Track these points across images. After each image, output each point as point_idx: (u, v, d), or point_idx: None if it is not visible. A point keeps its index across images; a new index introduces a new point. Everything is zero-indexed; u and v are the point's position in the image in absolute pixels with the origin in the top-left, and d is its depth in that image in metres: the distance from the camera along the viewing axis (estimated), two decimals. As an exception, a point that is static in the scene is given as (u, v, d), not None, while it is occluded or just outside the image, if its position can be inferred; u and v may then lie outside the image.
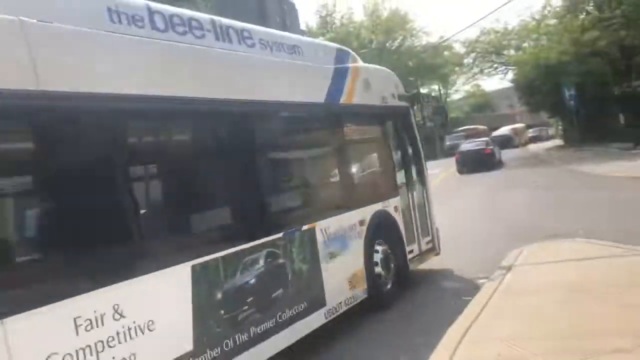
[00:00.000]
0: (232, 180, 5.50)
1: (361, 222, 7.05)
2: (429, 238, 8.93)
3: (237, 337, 4.88)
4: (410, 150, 8.84)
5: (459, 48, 43.59)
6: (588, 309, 5.60)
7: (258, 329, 5.12)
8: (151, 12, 5.00)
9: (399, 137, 8.72)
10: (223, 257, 4.85)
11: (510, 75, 40.39)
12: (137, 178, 4.73)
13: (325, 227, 6.28)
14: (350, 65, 7.76)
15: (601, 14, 30.28)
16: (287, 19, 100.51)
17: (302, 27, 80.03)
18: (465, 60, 41.85)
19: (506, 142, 41.18)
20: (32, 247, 3.90)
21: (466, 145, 29.60)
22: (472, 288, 7.51)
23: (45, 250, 3.88)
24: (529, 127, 61.40)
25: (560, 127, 41.87)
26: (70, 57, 3.99)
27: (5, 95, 3.46)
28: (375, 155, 8.32)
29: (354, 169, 7.64)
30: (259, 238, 5.32)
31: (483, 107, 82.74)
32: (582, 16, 31.69)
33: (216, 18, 5.87)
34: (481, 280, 7.85)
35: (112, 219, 4.17)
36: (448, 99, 67.54)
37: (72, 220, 3.90)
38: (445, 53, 49.94)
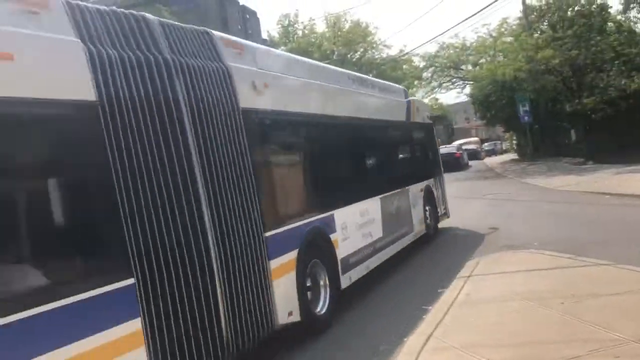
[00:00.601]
0: (385, 162, 10.91)
1: (421, 190, 12.09)
2: (444, 206, 13.90)
3: (393, 234, 9.98)
4: (434, 150, 14.49)
5: (418, 62, 44.33)
6: (544, 318, 5.76)
7: (397, 235, 10.22)
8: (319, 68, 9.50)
9: (431, 141, 14.15)
10: (386, 196, 9.79)
11: (468, 89, 41.45)
12: (364, 157, 9.80)
13: (411, 189, 11.31)
14: (411, 98, 13.40)
15: (554, 33, 31.39)
16: (249, 28, 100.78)
17: (264, 36, 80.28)
18: (424, 74, 42.61)
19: (474, 154, 47.50)
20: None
21: (442, 150, 34.06)
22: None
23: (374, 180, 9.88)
24: (483, 140, 62.93)
25: (514, 142, 43.09)
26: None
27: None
28: (424, 151, 13.61)
29: (419, 158, 13.19)
30: (396, 189, 10.49)
31: (441, 120, 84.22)
32: (536, 35, 32.76)
33: (351, 73, 10.83)
34: (439, 290, 7.97)
35: (363, 181, 9.39)
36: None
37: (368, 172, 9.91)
38: (405, 67, 50.75)
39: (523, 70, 29.65)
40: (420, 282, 8.90)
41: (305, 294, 6.54)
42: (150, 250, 4.37)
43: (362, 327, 6.95)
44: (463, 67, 41.27)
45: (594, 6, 31.44)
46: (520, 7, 34.59)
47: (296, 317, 6.23)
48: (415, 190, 11.55)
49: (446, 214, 13.87)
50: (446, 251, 11.40)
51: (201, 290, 4.78)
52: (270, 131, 6.76)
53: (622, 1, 30.31)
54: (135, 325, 4.15)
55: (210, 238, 4.99)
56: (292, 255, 6.30)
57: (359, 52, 51.83)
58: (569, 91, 30.95)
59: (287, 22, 52.38)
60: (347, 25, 51.07)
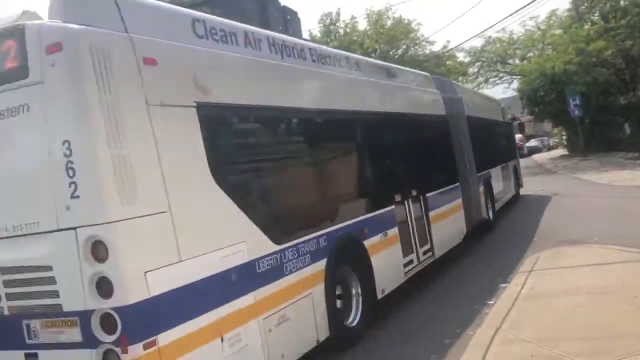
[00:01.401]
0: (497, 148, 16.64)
1: (513, 165, 17.98)
2: (521, 178, 19.34)
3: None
4: (514, 141, 21.76)
5: (463, 57, 43.65)
6: (616, 311, 5.64)
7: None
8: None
9: (512, 134, 21.43)
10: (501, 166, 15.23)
11: (515, 84, 40.56)
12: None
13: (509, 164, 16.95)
14: (502, 106, 21.16)
15: (607, 24, 30.41)
16: (290, 28, 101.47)
17: (306, 35, 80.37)
18: (470, 70, 41.95)
19: (536, 149, 49.57)
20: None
21: None
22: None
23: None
24: (529, 137, 61.35)
25: (564, 137, 41.93)
26: None
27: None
28: (511, 141, 20.22)
29: (510, 146, 19.60)
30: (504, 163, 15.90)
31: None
32: (587, 26, 31.83)
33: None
34: (502, 285, 7.89)
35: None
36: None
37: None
38: (448, 62, 50.04)
39: (573, 63, 28.84)
40: (480, 276, 8.80)
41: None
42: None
43: (427, 318, 6.95)
44: (510, 61, 40.45)
45: (649, -6, 30.33)
46: (570, -1, 33.72)
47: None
48: (511, 165, 17.64)
49: (522, 185, 19.30)
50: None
51: None
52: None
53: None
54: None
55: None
56: None
57: (401, 49, 51.39)
58: (622, 83, 29.96)
59: (328, 20, 52.39)
60: (389, 22, 50.72)
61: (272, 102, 5.36)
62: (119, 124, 3.62)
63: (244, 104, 4.96)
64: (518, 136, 56.67)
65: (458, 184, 10.52)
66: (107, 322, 3.53)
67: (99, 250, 3.52)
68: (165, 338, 3.68)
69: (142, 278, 3.58)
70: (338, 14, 51.58)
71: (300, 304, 5.15)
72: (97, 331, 3.57)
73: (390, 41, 50.17)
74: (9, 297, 3.88)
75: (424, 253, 8.33)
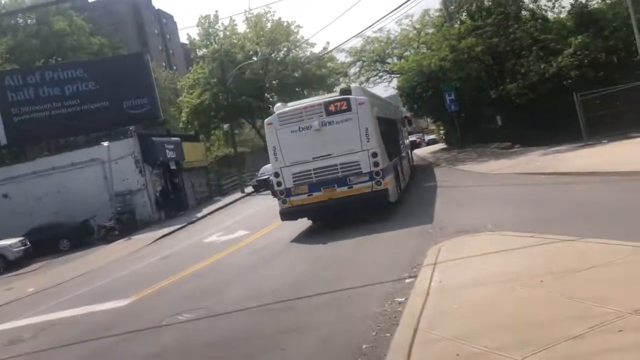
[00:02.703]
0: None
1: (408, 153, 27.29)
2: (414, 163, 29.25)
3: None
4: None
5: (345, 57, 44.45)
6: (528, 298, 5.57)
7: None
8: None
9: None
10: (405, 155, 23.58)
11: (395, 82, 41.91)
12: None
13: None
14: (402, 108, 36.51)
15: (474, 22, 32.24)
16: (167, 32, 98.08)
17: (183, 39, 78.14)
18: (352, 70, 42.82)
19: (414, 145, 49.82)
20: None
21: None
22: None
23: None
24: (409, 133, 63.92)
25: (442, 131, 43.99)
26: None
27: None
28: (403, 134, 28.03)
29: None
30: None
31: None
32: (457, 25, 33.56)
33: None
34: (408, 280, 7.70)
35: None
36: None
37: None
38: (329, 64, 50.82)
39: (448, 60, 30.24)
40: (384, 272, 8.57)
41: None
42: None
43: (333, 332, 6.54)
44: (389, 60, 41.70)
45: (509, -5, 32.55)
46: (440, -1, 35.40)
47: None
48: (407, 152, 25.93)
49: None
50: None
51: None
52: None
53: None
54: None
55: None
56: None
57: (282, 52, 51.33)
58: (491, 79, 31.86)
59: (207, 23, 51.10)
60: (268, 25, 50.46)
61: None
62: (373, 121, 14.60)
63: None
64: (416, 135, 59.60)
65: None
66: (377, 173, 13.87)
67: (375, 156, 13.93)
68: (390, 181, 14.68)
69: (386, 160, 14.83)
70: (216, 16, 50.64)
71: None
72: (374, 176, 13.89)
73: (271, 44, 49.91)
74: (342, 171, 13.93)
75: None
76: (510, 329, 4.83)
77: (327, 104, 14.21)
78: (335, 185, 13.85)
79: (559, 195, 12.91)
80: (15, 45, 47.31)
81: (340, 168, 13.85)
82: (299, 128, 14.16)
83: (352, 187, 13.75)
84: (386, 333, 5.75)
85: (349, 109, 13.93)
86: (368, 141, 13.79)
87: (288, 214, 14.54)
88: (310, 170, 14.08)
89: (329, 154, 13.94)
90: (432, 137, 55.45)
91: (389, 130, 18.63)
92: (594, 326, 4.47)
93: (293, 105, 15.25)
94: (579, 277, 5.85)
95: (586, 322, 4.58)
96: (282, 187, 14.30)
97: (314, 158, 14.00)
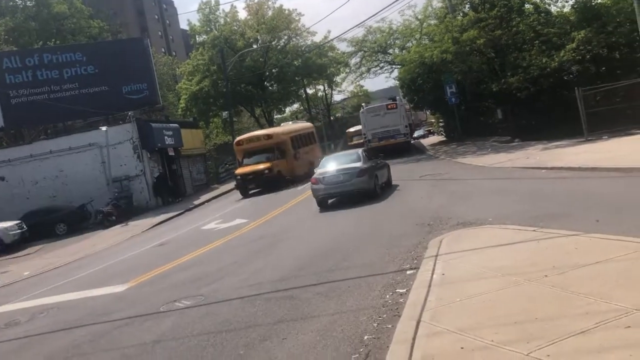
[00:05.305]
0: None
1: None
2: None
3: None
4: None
5: (346, 47, 44.25)
6: (532, 293, 5.52)
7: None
8: None
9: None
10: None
11: (396, 73, 41.75)
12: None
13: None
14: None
15: (477, 14, 32.01)
16: (167, 18, 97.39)
17: (183, 25, 77.49)
18: (353, 60, 42.62)
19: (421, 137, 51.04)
20: None
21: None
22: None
23: None
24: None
25: (441, 124, 43.88)
26: None
27: None
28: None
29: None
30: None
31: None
32: (460, 17, 33.32)
33: None
34: (409, 272, 7.65)
35: None
36: (333, 100, 68.70)
37: None
38: (330, 53, 50.58)
39: (450, 52, 30.04)
40: (386, 264, 8.51)
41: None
42: None
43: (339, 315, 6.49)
44: (390, 51, 41.49)
45: (513, -13, 32.30)
46: (444, -10, 35.11)
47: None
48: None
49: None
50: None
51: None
52: None
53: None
54: None
55: None
56: None
57: (283, 40, 51.03)
58: (492, 72, 31.72)
59: (207, 10, 50.72)
60: (269, 12, 50.12)
61: None
62: (405, 114, 35.89)
63: None
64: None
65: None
66: (406, 134, 34.87)
67: (406, 127, 34.97)
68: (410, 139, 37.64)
69: (409, 132, 37.88)
70: (217, 3, 50.18)
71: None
72: (406, 136, 34.94)
73: (271, 31, 49.59)
74: (393, 133, 33.96)
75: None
76: (515, 324, 4.78)
77: (387, 105, 33.85)
78: (390, 138, 32.81)
79: (561, 189, 12.85)
80: (14, 27, 46.84)
81: (392, 131, 33.10)
82: (375, 114, 33.70)
83: (396, 139, 32.80)
84: (388, 324, 5.70)
85: (396, 107, 33.54)
86: (403, 121, 33.32)
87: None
88: (379, 132, 33.24)
89: (387, 125, 33.20)
90: (420, 131, 52.73)
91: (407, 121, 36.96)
92: (600, 322, 4.42)
93: (372, 104, 35.23)
94: (584, 272, 5.79)
95: (592, 317, 4.53)
96: (367, 139, 33.31)
97: (381, 127, 33.24)
